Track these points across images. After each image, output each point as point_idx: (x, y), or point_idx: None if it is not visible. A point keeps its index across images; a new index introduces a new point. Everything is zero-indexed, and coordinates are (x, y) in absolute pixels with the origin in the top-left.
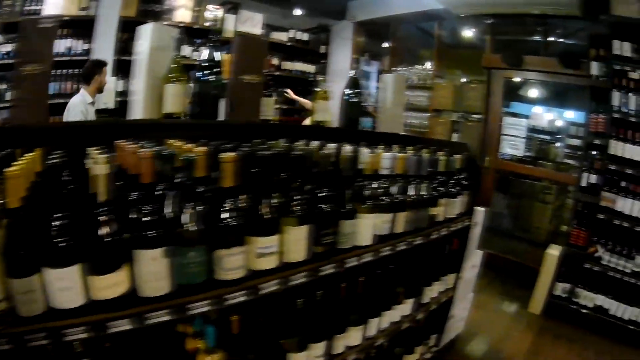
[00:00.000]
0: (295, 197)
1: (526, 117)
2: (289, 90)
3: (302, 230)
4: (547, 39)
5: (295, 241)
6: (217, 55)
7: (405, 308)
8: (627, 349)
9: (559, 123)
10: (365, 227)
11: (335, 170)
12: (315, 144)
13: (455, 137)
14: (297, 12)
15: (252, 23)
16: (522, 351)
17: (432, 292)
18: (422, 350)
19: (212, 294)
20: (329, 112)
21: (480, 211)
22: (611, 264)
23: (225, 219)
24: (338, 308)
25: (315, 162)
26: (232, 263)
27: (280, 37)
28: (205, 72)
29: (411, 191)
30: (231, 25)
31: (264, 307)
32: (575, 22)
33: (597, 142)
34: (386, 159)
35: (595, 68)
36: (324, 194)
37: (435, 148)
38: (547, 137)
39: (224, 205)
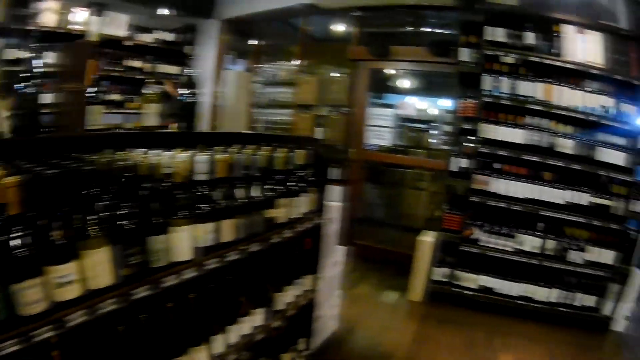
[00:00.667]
0: (92, 217)
1: (394, 107)
2: (167, 84)
3: (102, 252)
4: (418, 29)
5: (97, 265)
6: (38, 63)
7: (255, 319)
8: (518, 324)
9: (434, 111)
10: (181, 241)
11: (141, 181)
12: (123, 153)
13: (319, 132)
14: (165, 11)
15: (117, 24)
16: (406, 341)
17: (286, 297)
18: (291, 356)
19: (16, 332)
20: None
21: (334, 206)
22: (490, 244)
23: (15, 249)
24: (168, 330)
25: (116, 173)
26: (30, 296)
27: (145, 38)
28: (25, 83)
29: (239, 195)
30: (96, 27)
31: (76, 341)
32: (448, 11)
33: (466, 126)
34: (202, 163)
35: (465, 54)
36: (127, 210)
37: (277, 145)
38: (422, 126)
39: (12, 235)
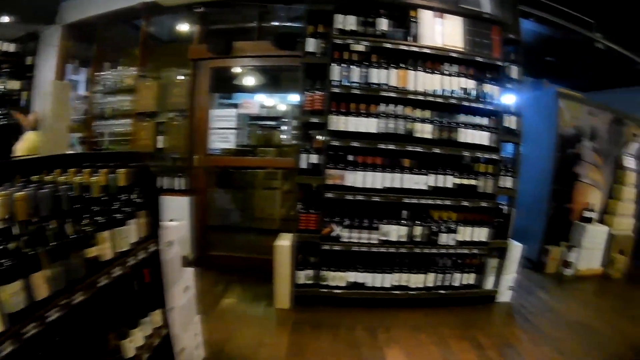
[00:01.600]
0: None
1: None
2: (16, 113)
3: None
4: (265, 24)
5: None
6: None
7: None
8: (399, 314)
9: (283, 107)
10: None
11: None
12: None
13: (161, 140)
14: (4, 19)
15: None
16: (280, 354)
17: (135, 342)
18: None
19: None
20: None
21: (173, 226)
22: (354, 239)
23: None
24: None
25: None
26: None
27: None
28: None
29: (49, 237)
30: None
31: None
32: (296, 3)
33: (314, 120)
34: None
35: (311, 45)
36: None
37: (94, 166)
38: (272, 123)
39: None
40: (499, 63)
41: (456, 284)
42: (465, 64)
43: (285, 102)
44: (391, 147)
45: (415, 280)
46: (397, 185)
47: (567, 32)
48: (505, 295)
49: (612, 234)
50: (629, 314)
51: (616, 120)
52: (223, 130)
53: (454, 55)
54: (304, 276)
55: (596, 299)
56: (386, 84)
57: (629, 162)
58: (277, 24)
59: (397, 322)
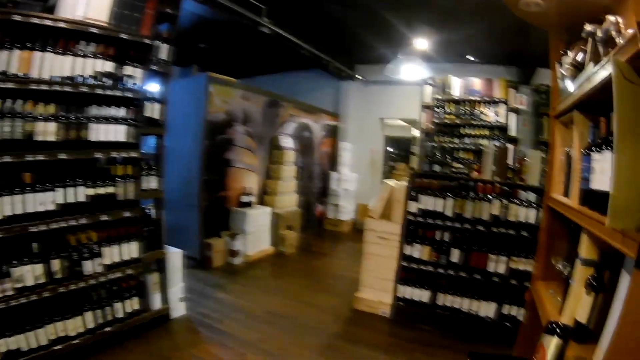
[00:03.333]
0: None
1: None
2: None
3: None
4: None
5: None
6: None
7: None
8: None
9: None
10: None
11: None
12: None
13: None
14: None
15: None
16: None
17: None
18: None
19: None
20: None
21: None
22: None
23: None
24: None
25: None
26: None
27: None
28: None
29: None
30: None
31: None
32: None
33: None
34: None
35: None
36: None
37: None
38: None
39: None
40: (148, 41)
41: (120, 315)
42: (107, 42)
43: None
44: (6, 159)
45: (74, 325)
46: (19, 211)
47: (231, 15)
48: (179, 309)
49: (276, 212)
50: (310, 286)
51: (271, 102)
52: None
53: (94, 31)
54: None
55: (274, 281)
56: (4, 72)
57: (286, 141)
58: None
59: None
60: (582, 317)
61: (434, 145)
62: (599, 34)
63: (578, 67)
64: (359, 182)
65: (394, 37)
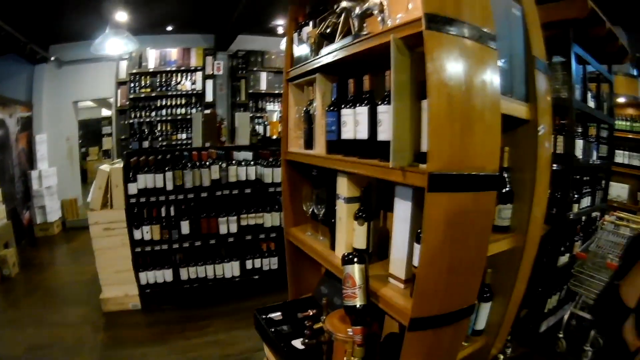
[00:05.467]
0: None
1: None
2: None
3: None
4: None
5: None
6: None
7: None
8: None
9: None
10: None
11: None
12: None
13: None
14: None
15: None
16: None
17: None
18: None
19: None
20: None
21: None
22: None
23: None
24: None
25: None
26: None
27: None
28: None
29: None
30: None
31: None
32: None
33: None
34: None
35: None
36: None
37: None
38: None
39: None
40: None
41: None
42: None
43: None
44: None
45: None
46: None
47: None
48: None
49: None
50: (53, 304)
51: None
52: None
53: None
54: None
55: (15, 312)
56: None
57: None
58: None
59: None
60: (362, 244)
61: (140, 122)
62: (357, 11)
63: (326, 37)
64: (59, 176)
65: (93, 11)
